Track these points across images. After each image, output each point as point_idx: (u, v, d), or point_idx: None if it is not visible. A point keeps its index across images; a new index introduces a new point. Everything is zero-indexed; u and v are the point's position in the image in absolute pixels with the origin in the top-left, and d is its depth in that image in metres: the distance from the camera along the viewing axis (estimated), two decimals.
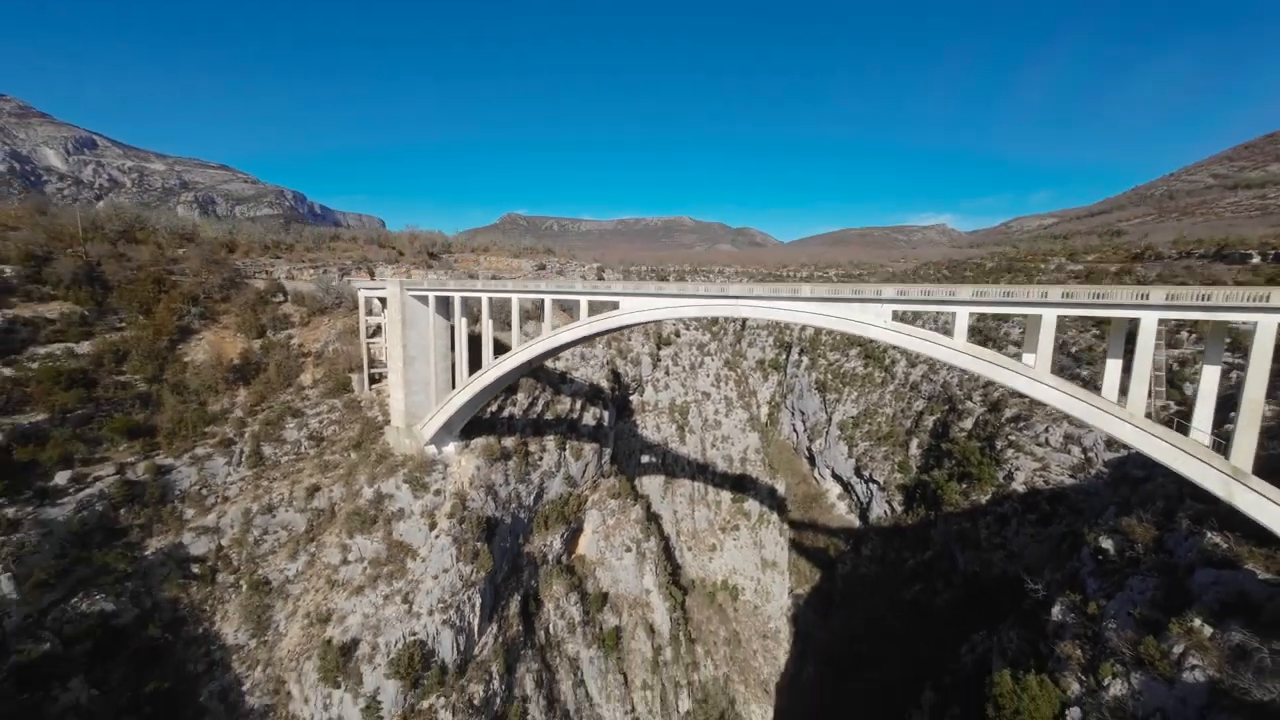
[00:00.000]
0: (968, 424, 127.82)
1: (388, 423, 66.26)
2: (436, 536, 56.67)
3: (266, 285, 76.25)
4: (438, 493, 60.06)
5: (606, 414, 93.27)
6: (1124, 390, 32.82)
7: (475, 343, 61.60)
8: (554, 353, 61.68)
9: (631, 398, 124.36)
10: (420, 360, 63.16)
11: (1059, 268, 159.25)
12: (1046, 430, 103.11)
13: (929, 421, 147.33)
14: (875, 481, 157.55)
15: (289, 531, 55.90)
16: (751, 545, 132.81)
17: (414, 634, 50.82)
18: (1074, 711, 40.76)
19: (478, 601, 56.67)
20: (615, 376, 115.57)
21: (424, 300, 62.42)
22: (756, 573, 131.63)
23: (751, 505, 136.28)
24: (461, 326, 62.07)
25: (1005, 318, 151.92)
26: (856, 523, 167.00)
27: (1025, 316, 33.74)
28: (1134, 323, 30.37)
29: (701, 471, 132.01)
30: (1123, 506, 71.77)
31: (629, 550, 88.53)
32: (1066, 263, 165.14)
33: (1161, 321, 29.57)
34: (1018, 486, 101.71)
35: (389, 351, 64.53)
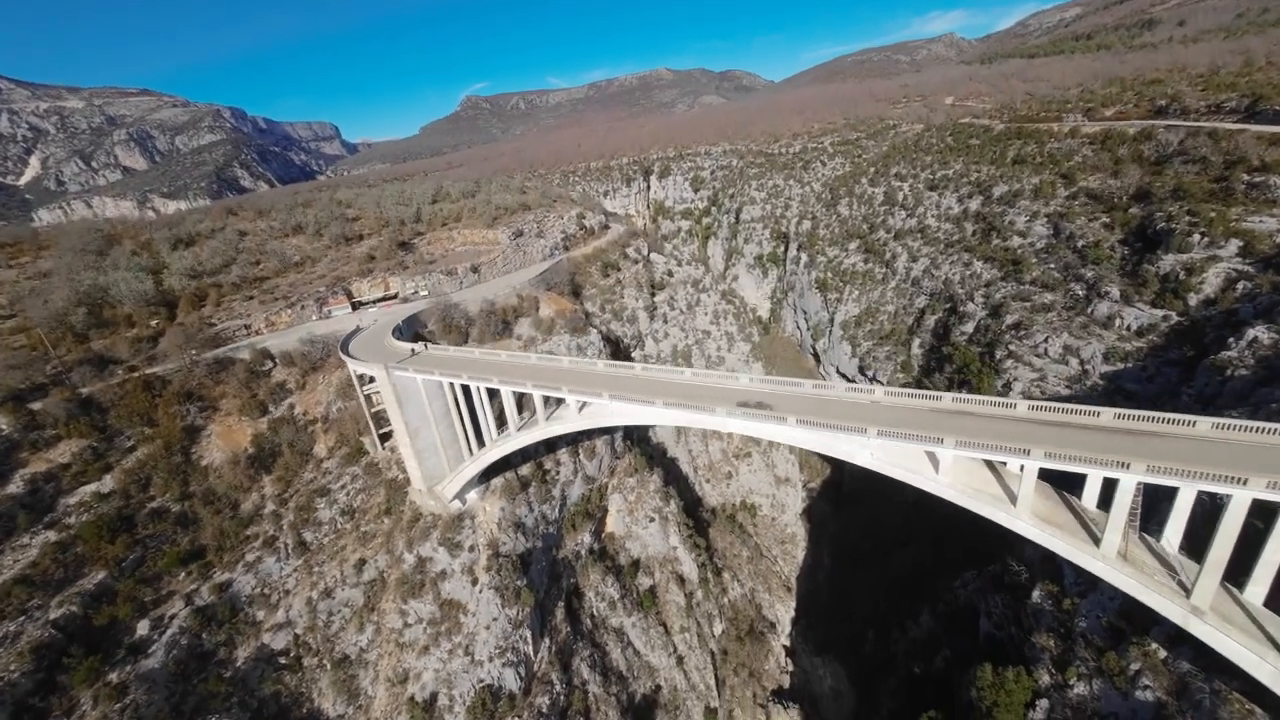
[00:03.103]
0: (969, 328, 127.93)
1: (409, 482, 69.92)
2: (480, 591, 63.36)
3: (252, 356, 75.34)
4: (472, 549, 65.64)
5: None
6: (1104, 504, 33.94)
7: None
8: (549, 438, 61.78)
9: (634, 354, 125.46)
10: (424, 428, 64.65)
11: (1073, 131, 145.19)
12: (1046, 341, 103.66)
13: (930, 321, 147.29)
14: (879, 381, 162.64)
15: (350, 608, 62.93)
16: (764, 467, 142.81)
17: (481, 681, 59.72)
18: (1043, 703, 48.51)
19: (529, 635, 65.13)
20: (614, 344, 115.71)
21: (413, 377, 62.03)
22: (771, 490, 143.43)
23: None
24: (456, 396, 62.28)
25: (1010, 199, 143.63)
26: None
27: (1006, 464, 33.78)
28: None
29: None
30: None
31: (652, 520, 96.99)
32: (1082, 123, 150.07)
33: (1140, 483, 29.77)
34: (1015, 397, 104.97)
35: (393, 425, 65.88)
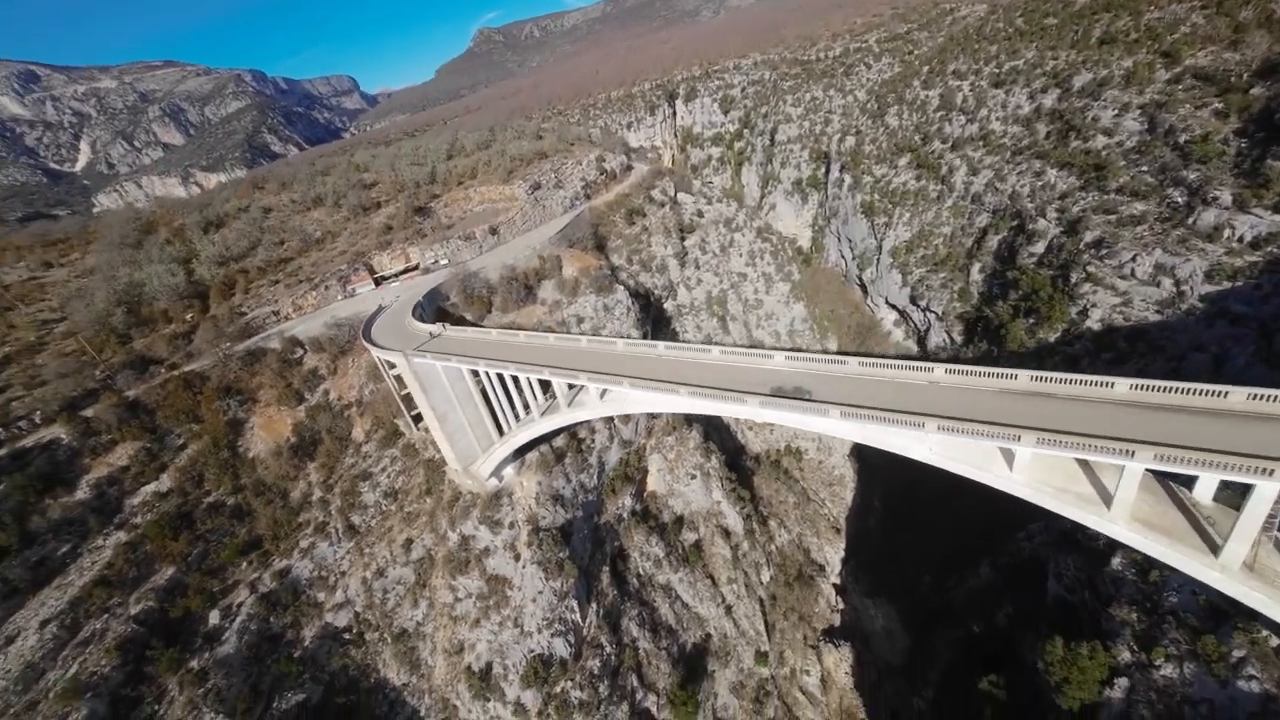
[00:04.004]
0: (1039, 248, 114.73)
1: (446, 462, 70.16)
2: (523, 566, 64.20)
3: (282, 345, 75.61)
4: (511, 526, 66.04)
5: None
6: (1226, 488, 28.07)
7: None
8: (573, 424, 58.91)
9: (666, 305, 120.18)
10: (451, 412, 63.59)
11: None
12: (1134, 259, 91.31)
13: (993, 242, 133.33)
14: (933, 311, 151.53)
15: (403, 585, 65.39)
16: None
17: (532, 651, 61.60)
18: (1122, 681, 44.76)
19: (575, 604, 66.21)
20: (644, 298, 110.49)
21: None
22: (817, 432, 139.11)
23: None
24: (480, 380, 60.27)
25: (1094, 90, 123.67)
26: (914, 348, 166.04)
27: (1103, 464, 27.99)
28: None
29: None
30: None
31: (694, 477, 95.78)
32: None
33: None
34: (1093, 324, 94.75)
35: (421, 410, 65.11)
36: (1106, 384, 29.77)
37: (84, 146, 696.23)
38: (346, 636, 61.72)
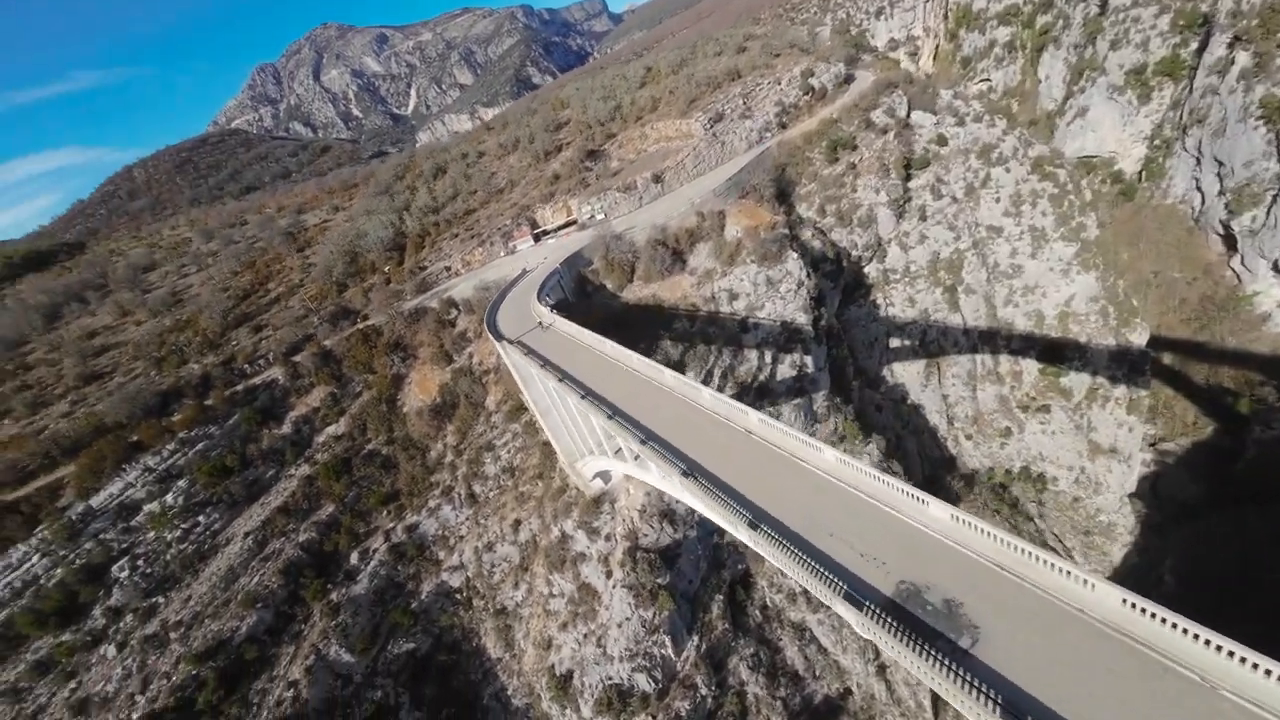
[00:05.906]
0: None
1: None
2: (614, 586, 58.20)
3: (440, 305, 79.50)
4: (608, 538, 59.94)
5: (810, 358, 72.48)
6: None
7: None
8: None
9: (867, 270, 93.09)
10: (552, 411, 58.11)
11: None
12: None
13: None
14: None
15: (509, 563, 66.12)
16: (1072, 429, 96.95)
17: (610, 679, 56.66)
18: None
19: (667, 640, 58.40)
20: (833, 261, 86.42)
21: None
22: (1080, 461, 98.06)
23: (1075, 379, 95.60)
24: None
25: None
26: None
27: None
28: None
29: (987, 341, 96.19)
30: None
31: None
32: None
33: None
34: None
35: (527, 403, 61.31)
36: None
37: (412, 93, 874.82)
38: (457, 598, 65.88)
